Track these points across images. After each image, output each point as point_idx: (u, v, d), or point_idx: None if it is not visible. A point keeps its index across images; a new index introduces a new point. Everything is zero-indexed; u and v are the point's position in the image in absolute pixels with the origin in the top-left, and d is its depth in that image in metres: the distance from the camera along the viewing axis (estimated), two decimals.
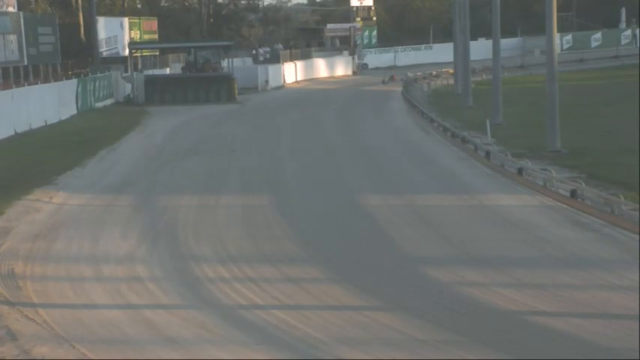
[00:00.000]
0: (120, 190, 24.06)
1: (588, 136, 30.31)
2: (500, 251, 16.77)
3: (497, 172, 25.05)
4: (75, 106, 43.67)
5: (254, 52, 64.24)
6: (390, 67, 73.13)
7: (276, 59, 62.35)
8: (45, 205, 22.02)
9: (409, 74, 58.99)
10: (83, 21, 58.67)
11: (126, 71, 52.40)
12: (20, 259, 16.76)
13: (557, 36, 29.11)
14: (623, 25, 79.09)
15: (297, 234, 18.69)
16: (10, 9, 42.93)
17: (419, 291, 14.48)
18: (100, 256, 17.13)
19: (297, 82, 62.61)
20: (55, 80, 45.04)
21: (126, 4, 68.72)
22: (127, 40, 56.73)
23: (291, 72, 62.73)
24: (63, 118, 41.12)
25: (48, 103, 39.97)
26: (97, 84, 47.81)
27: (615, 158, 25.32)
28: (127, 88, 50.76)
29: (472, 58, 46.73)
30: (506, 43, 57.46)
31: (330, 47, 73.03)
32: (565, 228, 18.41)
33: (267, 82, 57.93)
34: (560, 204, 20.45)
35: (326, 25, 76.81)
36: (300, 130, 37.00)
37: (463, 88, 46.36)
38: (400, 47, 77.86)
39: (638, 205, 17.90)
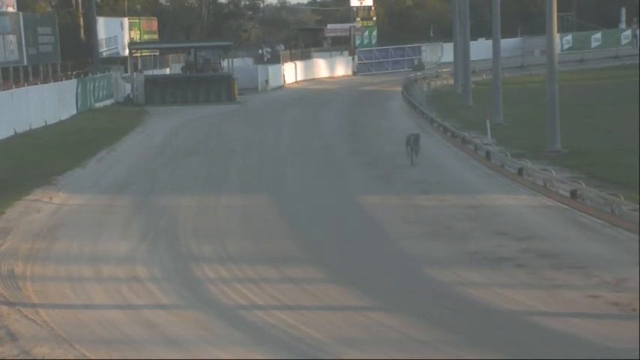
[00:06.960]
0: (120, 190, 24.06)
1: (588, 136, 30.29)
2: (500, 251, 16.76)
3: (498, 173, 25.03)
4: (75, 106, 43.64)
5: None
6: None
7: (276, 59, 62.27)
8: (45, 205, 22.01)
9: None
10: (83, 21, 58.60)
11: (126, 71, 52.35)
12: (20, 259, 16.76)
13: (557, 36, 29.09)
14: (623, 25, 78.92)
15: (297, 234, 18.69)
16: (10, 9, 42.90)
17: (419, 291, 14.49)
18: (100, 256, 17.13)
19: (297, 82, 62.53)
20: (55, 80, 44.98)
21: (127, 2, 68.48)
22: (126, 40, 56.66)
23: (291, 72, 62.61)
24: (63, 118, 41.10)
25: (48, 104, 39.94)
26: (96, 84, 47.76)
27: (615, 158, 25.29)
28: (127, 88, 50.70)
29: (472, 58, 46.68)
30: (506, 43, 57.31)
31: (330, 47, 72.93)
32: (565, 228, 18.41)
33: (267, 82, 57.86)
34: (560, 204, 20.43)
35: (326, 25, 76.63)
36: (301, 131, 36.97)
37: (463, 88, 46.32)
38: None
39: (638, 205, 17.89)
